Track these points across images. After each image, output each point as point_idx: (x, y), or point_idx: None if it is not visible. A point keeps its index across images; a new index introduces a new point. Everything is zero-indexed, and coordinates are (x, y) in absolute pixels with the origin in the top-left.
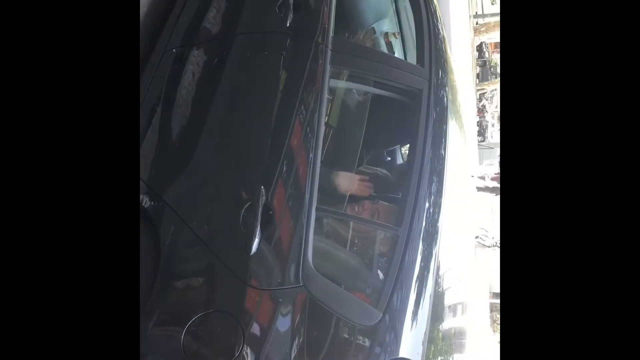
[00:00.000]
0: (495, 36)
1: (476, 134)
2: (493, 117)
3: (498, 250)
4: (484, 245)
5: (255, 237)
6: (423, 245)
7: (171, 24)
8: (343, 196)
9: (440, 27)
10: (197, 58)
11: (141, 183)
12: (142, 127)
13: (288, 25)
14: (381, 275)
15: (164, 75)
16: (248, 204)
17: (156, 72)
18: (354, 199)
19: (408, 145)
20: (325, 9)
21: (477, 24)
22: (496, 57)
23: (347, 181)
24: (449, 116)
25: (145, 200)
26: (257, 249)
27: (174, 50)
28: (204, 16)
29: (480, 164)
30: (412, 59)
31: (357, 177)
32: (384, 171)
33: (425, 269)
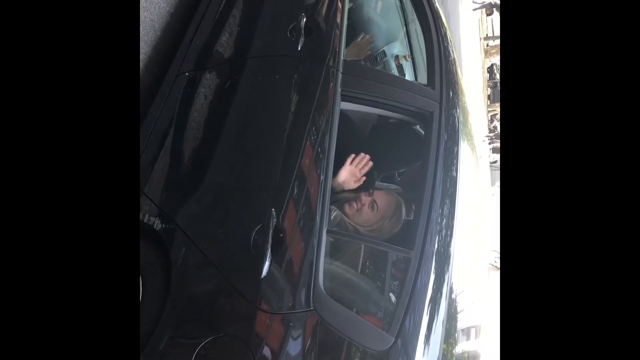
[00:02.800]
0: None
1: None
2: None
3: None
4: (497, 268)
5: (265, 260)
6: (435, 267)
7: (184, 47)
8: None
9: (450, 50)
10: (209, 81)
11: (152, 205)
12: (154, 149)
13: (299, 48)
14: (393, 299)
15: (176, 99)
16: (259, 227)
17: (169, 95)
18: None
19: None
20: (337, 32)
21: (487, 45)
22: None
23: (348, 175)
24: (461, 137)
25: (156, 223)
26: (267, 272)
27: (186, 73)
28: (217, 40)
29: (492, 185)
30: (422, 81)
31: (348, 164)
32: (396, 186)
33: (437, 291)
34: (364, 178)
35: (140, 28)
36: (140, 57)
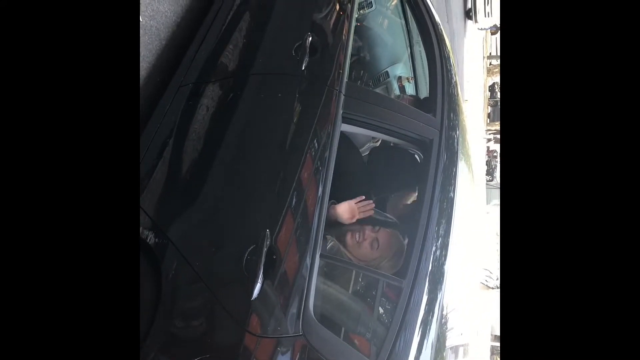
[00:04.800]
0: None
1: (484, 173)
2: None
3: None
4: (488, 287)
5: (257, 281)
6: (429, 288)
7: (189, 58)
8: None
9: (452, 73)
10: (211, 93)
11: (147, 218)
12: (152, 160)
13: (303, 68)
14: (384, 322)
15: (177, 110)
16: (252, 247)
17: (170, 106)
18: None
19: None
20: (341, 54)
21: (490, 64)
22: None
23: (347, 211)
24: (459, 158)
25: (149, 236)
26: (258, 294)
27: (189, 85)
28: (221, 53)
29: (487, 204)
30: (425, 101)
31: (354, 202)
32: (393, 219)
33: (429, 312)
34: (355, 219)
35: (146, 37)
36: (144, 66)
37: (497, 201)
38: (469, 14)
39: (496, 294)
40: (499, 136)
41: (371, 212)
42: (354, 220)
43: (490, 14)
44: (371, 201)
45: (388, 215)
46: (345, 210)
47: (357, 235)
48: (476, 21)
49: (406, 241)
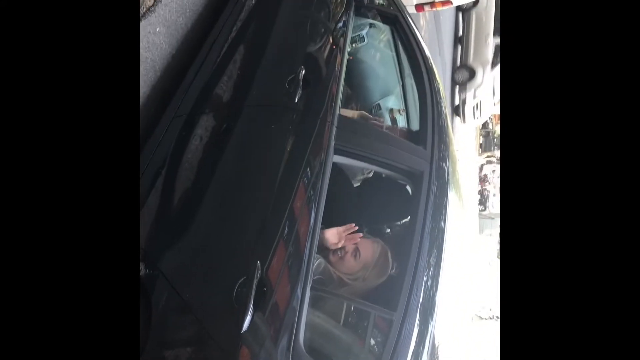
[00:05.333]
0: (497, 109)
1: (477, 203)
2: (495, 187)
3: (495, 322)
4: (481, 318)
5: (247, 313)
6: (420, 320)
7: (183, 89)
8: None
9: (443, 105)
10: (205, 124)
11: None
12: (144, 190)
13: (296, 100)
14: (375, 352)
15: (171, 141)
16: (243, 279)
17: (163, 137)
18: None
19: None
20: (334, 86)
21: None
22: (498, 128)
23: (333, 237)
24: (449, 189)
25: (140, 266)
26: (248, 327)
27: (184, 115)
28: (216, 85)
29: (480, 234)
30: (415, 135)
31: (342, 229)
32: (381, 242)
33: (420, 344)
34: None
35: (141, 68)
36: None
37: (490, 231)
38: (457, 111)
39: (490, 325)
40: (491, 160)
41: (355, 240)
42: (339, 245)
43: (479, 116)
44: (361, 234)
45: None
46: (332, 235)
47: (338, 252)
48: (464, 121)
49: (389, 251)
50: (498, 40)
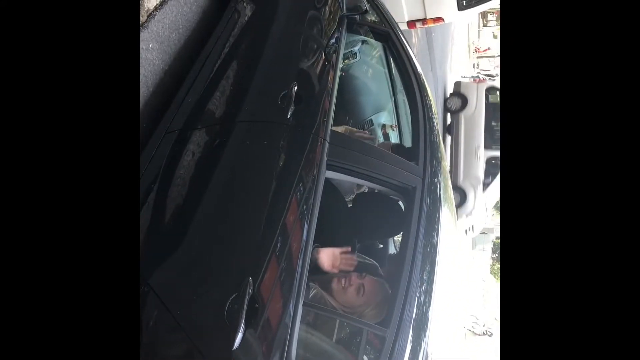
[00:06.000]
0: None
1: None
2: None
3: (488, 338)
4: (474, 333)
5: (239, 330)
6: (413, 335)
7: (176, 105)
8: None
9: (434, 121)
10: (198, 140)
11: None
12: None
13: (289, 116)
14: None
15: (163, 156)
16: (234, 295)
17: (155, 152)
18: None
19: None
20: (326, 102)
21: None
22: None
23: (329, 258)
24: (442, 204)
25: None
26: (239, 344)
27: (176, 131)
28: (208, 101)
29: (473, 249)
30: (408, 150)
31: (338, 251)
32: (373, 261)
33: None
34: (335, 270)
35: None
36: None
37: (483, 246)
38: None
39: (484, 341)
40: None
41: (350, 268)
42: (333, 270)
43: (472, 231)
44: (355, 258)
45: (368, 258)
46: (328, 256)
47: (343, 281)
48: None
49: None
50: (490, 153)
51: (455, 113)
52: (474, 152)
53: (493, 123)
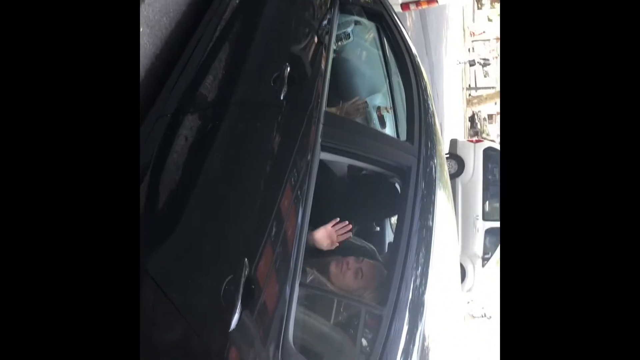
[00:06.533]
0: (487, 108)
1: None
2: None
3: (486, 320)
4: (473, 316)
5: (235, 312)
6: (409, 317)
7: (168, 89)
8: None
9: (430, 103)
10: (190, 124)
11: None
12: None
13: (282, 98)
14: (365, 349)
15: (155, 141)
16: (230, 277)
17: (148, 137)
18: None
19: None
20: (320, 84)
21: (469, 95)
22: (487, 127)
23: (325, 236)
24: (437, 187)
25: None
26: (236, 325)
27: (168, 115)
28: (200, 84)
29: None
30: (403, 130)
31: (330, 225)
32: (371, 246)
33: (410, 342)
34: (337, 245)
35: None
36: None
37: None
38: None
39: (483, 324)
40: None
41: (349, 235)
42: (335, 245)
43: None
44: (347, 222)
45: (366, 242)
46: (323, 236)
47: (341, 265)
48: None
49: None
50: (489, 224)
51: (451, 179)
52: (472, 224)
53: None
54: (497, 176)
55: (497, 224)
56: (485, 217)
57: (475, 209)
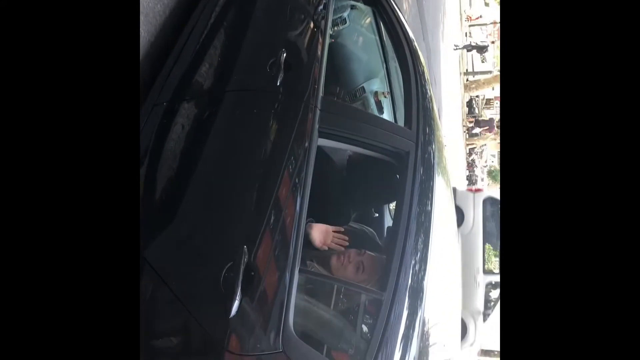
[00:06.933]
0: (485, 92)
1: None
2: (482, 172)
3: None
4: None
5: (235, 298)
6: (409, 303)
7: (163, 77)
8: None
9: (427, 88)
10: (187, 112)
11: None
12: None
13: (278, 84)
14: (366, 336)
15: (152, 129)
16: (230, 264)
17: (144, 125)
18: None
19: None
20: (316, 69)
21: (467, 80)
22: (486, 113)
23: (321, 234)
24: (436, 173)
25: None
26: (236, 311)
27: (164, 103)
28: (196, 71)
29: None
30: (400, 115)
31: (332, 229)
32: (370, 229)
33: (410, 327)
34: (325, 248)
35: None
36: None
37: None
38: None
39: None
40: (477, 149)
41: (342, 246)
42: (324, 247)
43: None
44: (347, 238)
45: (366, 227)
46: (319, 232)
47: (342, 258)
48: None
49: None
50: (490, 278)
51: None
52: (473, 278)
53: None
54: (498, 228)
55: (498, 278)
56: (486, 270)
57: (476, 261)
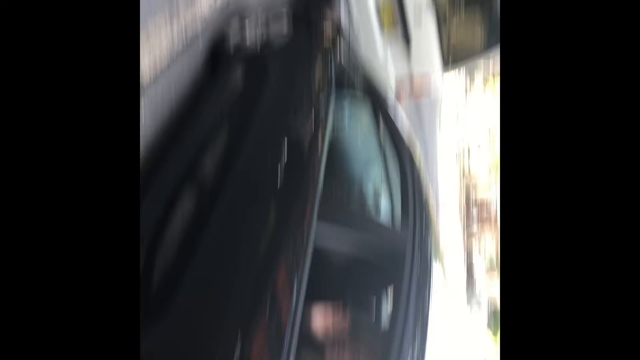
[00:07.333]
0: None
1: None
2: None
3: None
4: None
5: None
6: None
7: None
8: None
9: (424, 190)
10: (183, 207)
11: None
12: None
13: (278, 187)
14: None
15: (149, 223)
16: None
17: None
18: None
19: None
20: (315, 171)
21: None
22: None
23: (321, 317)
24: (432, 269)
25: None
26: None
27: (162, 198)
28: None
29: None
30: (397, 212)
31: (331, 308)
32: (368, 317)
33: None
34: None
35: None
36: None
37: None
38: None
39: None
40: None
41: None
42: (328, 336)
43: None
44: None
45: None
46: (320, 312)
47: (336, 346)
48: None
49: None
50: None
51: None
52: None
53: None
54: None
55: None
56: None
57: None
